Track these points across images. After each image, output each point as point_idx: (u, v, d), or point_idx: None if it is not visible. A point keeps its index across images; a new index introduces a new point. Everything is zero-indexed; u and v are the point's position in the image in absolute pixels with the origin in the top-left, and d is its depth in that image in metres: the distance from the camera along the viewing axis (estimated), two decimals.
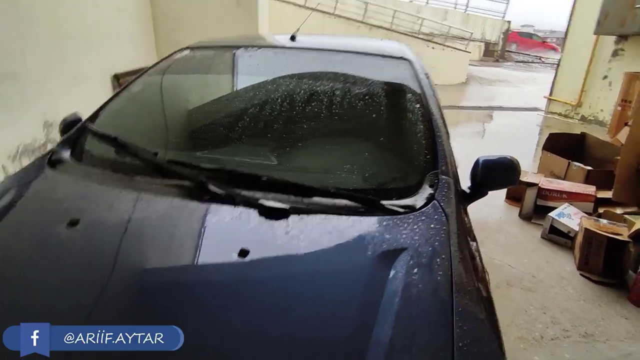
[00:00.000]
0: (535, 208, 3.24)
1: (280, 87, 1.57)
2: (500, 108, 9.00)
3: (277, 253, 0.96)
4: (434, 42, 13.26)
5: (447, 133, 1.39)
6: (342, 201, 1.10)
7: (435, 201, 1.11)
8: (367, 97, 1.46)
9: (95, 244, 0.98)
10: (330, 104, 1.45)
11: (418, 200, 1.12)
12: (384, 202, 1.09)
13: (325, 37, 2.13)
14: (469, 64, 13.76)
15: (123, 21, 5.13)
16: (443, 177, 1.19)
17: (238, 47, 1.78)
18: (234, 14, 5.81)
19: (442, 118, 1.42)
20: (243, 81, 1.67)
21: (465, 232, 1.09)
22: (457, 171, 1.29)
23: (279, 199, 1.11)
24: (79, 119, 1.59)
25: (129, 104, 1.61)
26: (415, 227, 1.02)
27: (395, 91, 1.56)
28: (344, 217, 1.04)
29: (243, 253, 0.91)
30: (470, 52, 13.79)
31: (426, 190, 1.15)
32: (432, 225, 1.03)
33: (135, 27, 5.45)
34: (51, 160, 1.35)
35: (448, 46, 13.26)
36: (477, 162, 1.30)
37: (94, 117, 1.57)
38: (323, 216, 1.04)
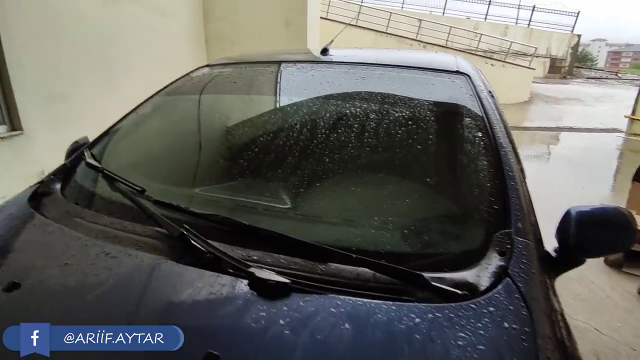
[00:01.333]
0: (627, 254, 2.63)
1: (302, 109, 1.28)
2: (571, 129, 8.08)
3: None
4: (493, 58, 12.50)
5: (523, 172, 1.02)
6: (367, 272, 0.77)
7: (508, 279, 0.74)
8: (410, 123, 1.12)
9: (32, 315, 0.74)
10: (362, 131, 1.13)
11: (482, 276, 0.76)
12: (429, 276, 0.75)
13: (364, 50, 1.81)
14: (533, 82, 12.76)
15: (176, 44, 5.25)
16: (519, 239, 0.81)
17: (260, 64, 1.54)
18: (284, 35, 5.79)
19: (515, 151, 1.05)
20: (260, 103, 1.41)
21: (559, 332, 0.71)
22: (538, 229, 0.90)
23: (281, 263, 0.81)
24: (86, 144, 1.42)
25: (134, 128, 1.42)
26: (478, 323, 0.66)
27: (448, 114, 1.21)
28: (368, 302, 0.71)
29: None
30: (534, 69, 12.81)
31: (494, 260, 0.79)
32: (505, 324, 0.66)
33: (188, 50, 5.57)
34: (36, 193, 1.17)
35: (509, 63, 12.43)
36: (567, 215, 0.90)
37: (94, 143, 1.39)
38: (338, 298, 0.72)
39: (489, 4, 17.61)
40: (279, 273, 0.79)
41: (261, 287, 0.73)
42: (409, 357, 0.61)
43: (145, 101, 1.52)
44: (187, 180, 1.21)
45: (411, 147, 1.07)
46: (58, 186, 1.21)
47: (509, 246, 0.80)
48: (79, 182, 1.20)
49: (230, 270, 0.79)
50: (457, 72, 1.32)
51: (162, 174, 1.24)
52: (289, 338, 0.65)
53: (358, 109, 1.19)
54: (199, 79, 1.53)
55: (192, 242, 0.84)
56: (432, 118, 1.12)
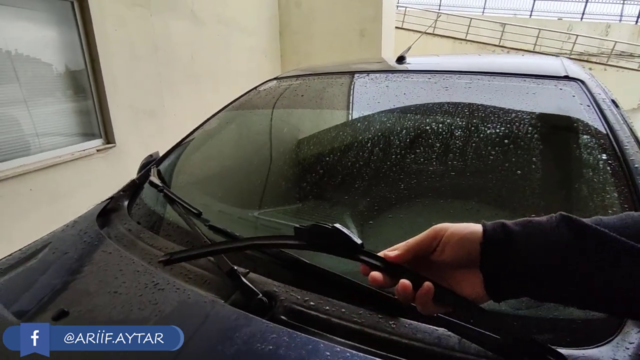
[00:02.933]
0: None
1: (374, 125, 1.14)
2: None
3: None
4: (591, 61, 11.13)
5: None
6: (450, 336, 0.60)
7: None
8: (507, 142, 0.91)
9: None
10: (446, 152, 0.95)
11: (619, 357, 0.54)
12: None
13: (445, 57, 1.60)
14: None
15: (253, 59, 5.47)
16: None
17: (329, 75, 1.42)
18: (358, 45, 5.74)
19: None
20: (328, 118, 1.28)
21: None
22: None
23: (342, 313, 0.67)
24: (156, 159, 1.43)
25: (198, 144, 1.39)
26: None
27: (557, 131, 0.97)
28: None
29: None
30: None
31: (635, 336, 0.56)
32: None
33: (265, 64, 5.78)
34: (105, 209, 1.18)
35: (612, 65, 10.96)
36: None
37: (163, 158, 1.39)
38: None
39: (587, 1, 15.82)
40: (340, 325, 0.65)
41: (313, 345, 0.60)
42: None
43: (212, 116, 1.50)
44: (247, 201, 1.13)
45: (509, 173, 0.86)
46: (125, 203, 1.21)
47: None
48: (144, 200, 1.19)
49: (283, 318, 0.67)
50: (567, 78, 1.07)
51: (221, 194, 1.19)
52: None
53: (441, 125, 1.01)
54: (266, 92, 1.47)
55: (243, 280, 0.74)
56: (536, 135, 0.89)
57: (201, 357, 0.63)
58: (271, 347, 0.62)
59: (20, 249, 1.05)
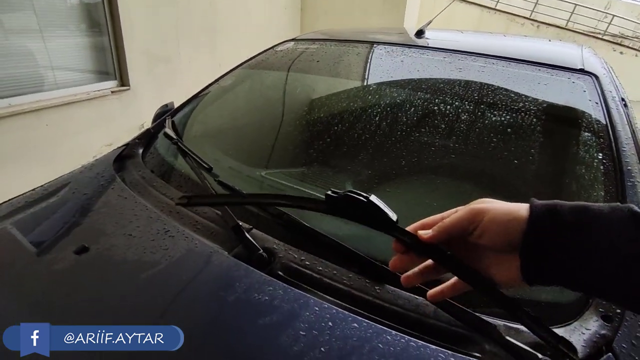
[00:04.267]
0: None
1: (383, 99, 1.16)
2: None
3: None
4: (624, 45, 10.60)
5: None
6: (428, 306, 0.67)
7: (611, 355, 0.58)
8: (509, 131, 0.94)
9: (96, 282, 0.78)
10: (449, 133, 0.98)
11: (573, 339, 0.61)
12: (503, 326, 0.62)
13: (466, 34, 1.57)
14: None
15: (273, 12, 5.31)
16: None
17: (346, 42, 1.42)
18: (380, 7, 5.53)
19: None
20: (340, 87, 1.30)
21: None
22: None
23: (333, 275, 0.74)
24: (171, 110, 1.48)
25: (213, 99, 1.43)
26: None
27: (559, 126, 0.99)
28: (422, 345, 0.61)
29: None
30: None
31: (593, 325, 0.63)
32: None
33: (283, 18, 5.61)
34: (120, 155, 1.24)
35: None
36: None
37: (177, 110, 1.43)
38: (389, 332, 0.63)
39: None
40: (330, 285, 0.73)
41: (306, 301, 0.68)
42: None
43: (228, 72, 1.52)
44: (255, 159, 1.19)
45: (506, 161, 0.90)
46: (140, 151, 1.27)
47: (619, 311, 0.63)
48: (158, 150, 1.24)
49: (280, 273, 0.75)
50: (581, 71, 1.08)
51: (233, 150, 1.24)
52: None
53: (448, 106, 1.04)
54: (282, 54, 1.47)
55: (246, 235, 0.81)
56: (538, 128, 0.92)
57: (204, 301, 0.71)
58: (267, 298, 0.70)
59: (41, 186, 1.13)
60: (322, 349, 0.60)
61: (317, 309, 0.67)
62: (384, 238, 0.84)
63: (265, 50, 1.56)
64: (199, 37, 4.09)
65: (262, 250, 0.78)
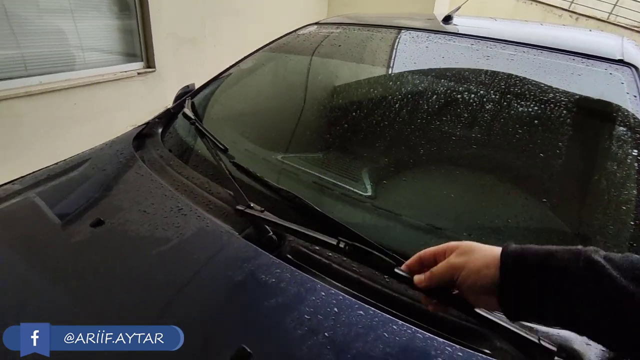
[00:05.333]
0: None
1: (405, 86, 1.12)
2: None
3: None
4: None
5: None
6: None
7: None
8: (537, 122, 0.89)
9: (109, 256, 0.79)
10: (472, 123, 0.94)
11: (592, 344, 0.58)
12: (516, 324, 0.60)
13: (497, 22, 1.49)
14: None
15: None
16: None
17: (370, 27, 1.38)
18: None
19: None
20: (361, 73, 1.26)
21: None
22: None
23: (343, 262, 0.73)
24: (192, 91, 1.48)
25: (233, 82, 1.42)
26: None
27: (593, 119, 0.93)
28: (430, 338, 0.59)
29: (239, 357, 0.57)
30: None
31: None
32: None
33: (310, 3, 5.54)
34: (140, 134, 1.26)
35: None
36: None
37: (198, 91, 1.43)
38: (396, 322, 0.62)
39: None
40: (338, 271, 0.72)
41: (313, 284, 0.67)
42: None
43: (249, 55, 1.51)
44: (272, 143, 1.17)
45: (532, 154, 0.85)
46: (159, 130, 1.29)
47: None
48: (177, 130, 1.25)
49: (289, 256, 0.74)
50: (620, 62, 1.00)
51: (249, 132, 1.23)
52: (326, 351, 0.57)
53: (473, 95, 0.99)
54: (304, 37, 1.45)
55: (257, 217, 0.80)
56: (569, 120, 0.87)
57: (213, 280, 0.71)
58: (274, 280, 0.69)
59: (64, 160, 1.15)
60: (326, 333, 0.59)
61: (323, 294, 0.66)
62: (397, 227, 0.83)
63: (287, 34, 1.54)
64: (225, 20, 4.09)
65: (272, 233, 0.78)
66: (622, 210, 0.74)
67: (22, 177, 1.08)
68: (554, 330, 0.60)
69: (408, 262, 0.58)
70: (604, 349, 0.57)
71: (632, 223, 0.70)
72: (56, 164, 1.13)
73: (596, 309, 0.42)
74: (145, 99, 3.34)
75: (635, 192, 0.74)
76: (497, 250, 0.49)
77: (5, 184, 1.05)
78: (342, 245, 0.64)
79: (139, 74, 3.28)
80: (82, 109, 2.87)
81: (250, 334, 0.60)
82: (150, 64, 3.40)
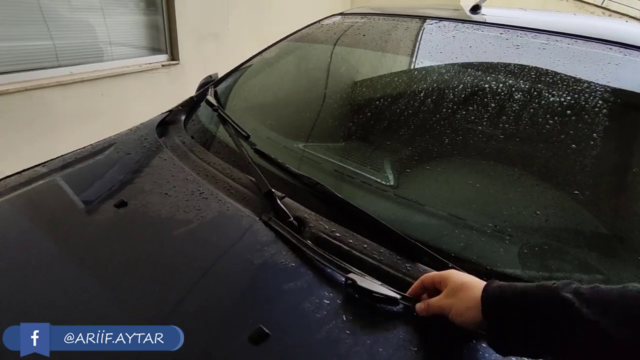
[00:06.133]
0: None
1: (430, 76, 1.09)
2: None
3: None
4: None
5: None
6: None
7: None
8: (569, 113, 0.85)
9: (130, 233, 0.80)
10: (500, 113, 0.91)
11: None
12: None
13: (526, 12, 1.42)
14: None
15: None
16: None
17: (396, 17, 1.35)
18: None
19: None
20: (386, 62, 1.24)
21: None
22: None
23: (364, 248, 0.72)
24: (214, 80, 1.49)
25: (257, 71, 1.42)
26: None
27: (631, 110, 0.89)
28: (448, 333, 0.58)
29: (257, 336, 0.57)
30: None
31: None
32: None
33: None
34: (164, 120, 1.28)
35: None
36: None
37: (221, 80, 1.45)
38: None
39: None
40: (359, 258, 0.70)
41: (330, 276, 0.66)
42: None
43: (273, 44, 1.51)
44: (294, 132, 1.17)
45: (563, 145, 0.82)
46: (183, 117, 1.30)
47: None
48: (199, 117, 1.27)
49: (308, 242, 0.73)
50: None
51: (271, 121, 1.23)
52: (342, 343, 0.56)
53: (501, 85, 0.96)
54: (328, 27, 1.44)
55: (278, 202, 0.80)
56: (605, 111, 0.83)
57: (233, 263, 0.71)
58: (293, 264, 0.69)
59: (91, 144, 1.18)
60: (344, 317, 0.59)
61: (343, 280, 0.65)
62: (419, 216, 0.81)
63: (311, 24, 1.53)
64: (248, 15, 4.12)
65: (292, 218, 0.77)
66: None
67: (51, 159, 1.11)
68: None
69: (412, 286, 0.62)
70: None
71: None
72: (83, 148, 1.16)
73: (566, 343, 0.46)
74: (168, 90, 3.40)
75: None
76: (480, 288, 0.53)
77: (35, 166, 1.08)
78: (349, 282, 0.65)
79: (163, 66, 3.33)
80: (109, 99, 2.94)
81: (268, 315, 0.60)
82: (174, 56, 3.45)
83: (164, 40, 3.36)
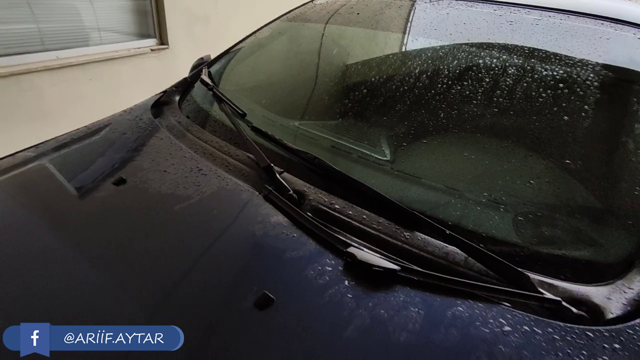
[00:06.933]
0: None
1: (425, 53, 1.10)
2: None
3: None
4: None
5: None
6: (458, 254, 0.65)
7: None
8: (562, 86, 0.87)
9: (131, 209, 0.81)
10: (493, 88, 0.92)
11: (614, 299, 0.58)
12: (536, 279, 0.60)
13: None
14: None
15: None
16: None
17: None
18: None
19: None
20: (380, 40, 1.24)
21: None
22: None
23: (363, 219, 0.73)
24: (207, 61, 1.48)
25: (250, 51, 1.41)
26: (592, 358, 0.51)
27: (620, 83, 0.91)
28: (450, 289, 0.60)
29: (262, 301, 0.58)
30: None
31: (636, 284, 0.59)
32: None
33: None
34: (158, 101, 1.27)
35: None
36: None
37: (214, 61, 1.43)
38: (417, 275, 0.62)
39: None
40: (359, 228, 0.72)
41: (329, 244, 0.68)
42: None
43: (266, 25, 1.50)
44: (290, 110, 1.17)
45: (555, 117, 0.84)
46: (177, 98, 1.29)
47: None
48: (194, 97, 1.26)
49: (308, 214, 0.75)
50: None
51: (266, 100, 1.23)
52: (345, 306, 0.58)
53: (494, 60, 0.97)
54: (321, 6, 1.43)
55: (277, 176, 0.81)
56: (596, 84, 0.85)
57: (234, 235, 0.72)
58: (294, 236, 0.70)
59: (85, 126, 1.17)
60: (347, 282, 0.60)
61: (343, 255, 0.67)
62: (416, 188, 0.83)
63: (305, 3, 1.52)
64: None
65: (292, 192, 0.78)
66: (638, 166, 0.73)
67: (46, 140, 1.10)
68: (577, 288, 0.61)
69: None
70: (626, 301, 0.57)
71: None
72: (78, 129, 1.15)
73: None
74: (158, 75, 3.34)
75: None
76: None
77: (27, 148, 1.07)
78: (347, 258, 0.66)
79: (152, 50, 3.28)
80: (98, 84, 2.89)
81: (272, 282, 0.62)
82: (163, 40, 3.39)
83: (152, 24, 3.29)
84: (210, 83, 1.16)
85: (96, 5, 2.82)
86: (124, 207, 0.81)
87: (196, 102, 1.23)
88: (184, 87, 1.34)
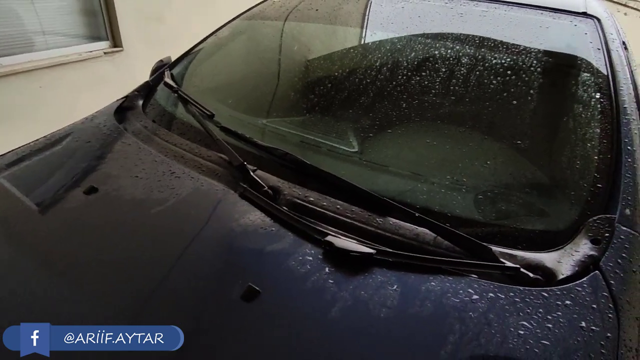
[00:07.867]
0: None
1: (383, 46, 1.15)
2: None
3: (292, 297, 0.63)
4: (628, 6, 10.29)
5: None
6: (427, 234, 0.71)
7: (597, 272, 0.62)
8: (509, 73, 0.95)
9: (106, 221, 0.80)
10: (449, 77, 0.98)
11: (563, 262, 0.65)
12: (497, 251, 0.66)
13: None
14: None
15: None
16: (623, 228, 0.67)
17: None
18: None
19: None
20: (340, 36, 1.28)
21: None
22: None
23: (337, 209, 0.77)
24: (168, 63, 1.46)
25: (211, 51, 1.41)
26: (548, 315, 0.57)
27: (560, 67, 1.00)
28: (422, 266, 0.65)
29: (249, 294, 0.61)
30: None
31: (582, 247, 0.66)
32: (582, 323, 0.57)
33: None
34: (121, 107, 1.24)
35: None
36: None
37: (175, 63, 1.42)
38: (391, 255, 0.67)
39: None
40: (334, 218, 0.76)
41: (306, 234, 0.71)
42: (458, 336, 0.55)
43: (226, 24, 1.50)
44: (257, 109, 1.19)
45: (505, 102, 0.91)
46: (140, 102, 1.27)
47: (607, 234, 0.66)
48: (158, 101, 1.24)
49: (285, 209, 0.77)
50: (584, 15, 1.07)
51: (233, 100, 1.24)
52: (327, 291, 0.62)
53: (449, 51, 1.03)
54: (280, 4, 1.44)
55: (251, 174, 0.83)
56: (539, 69, 0.93)
57: (214, 233, 0.74)
58: (273, 229, 0.73)
59: (44, 136, 1.13)
60: (327, 269, 0.64)
61: (320, 238, 0.70)
62: (384, 176, 0.88)
63: (261, 2, 1.52)
64: None
65: (267, 188, 0.81)
66: (587, 147, 0.81)
67: (2, 154, 1.06)
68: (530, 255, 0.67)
69: None
70: (574, 263, 0.65)
71: (595, 157, 0.78)
72: (37, 140, 1.11)
73: None
74: (115, 79, 3.22)
75: (597, 130, 0.81)
76: None
77: None
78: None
79: (105, 53, 3.15)
80: (50, 91, 2.75)
81: (256, 275, 0.64)
82: (116, 43, 3.26)
83: (104, 25, 3.16)
84: (175, 85, 1.16)
85: (38, 6, 2.66)
86: (99, 216, 0.80)
87: (161, 105, 1.21)
88: (147, 90, 1.32)
